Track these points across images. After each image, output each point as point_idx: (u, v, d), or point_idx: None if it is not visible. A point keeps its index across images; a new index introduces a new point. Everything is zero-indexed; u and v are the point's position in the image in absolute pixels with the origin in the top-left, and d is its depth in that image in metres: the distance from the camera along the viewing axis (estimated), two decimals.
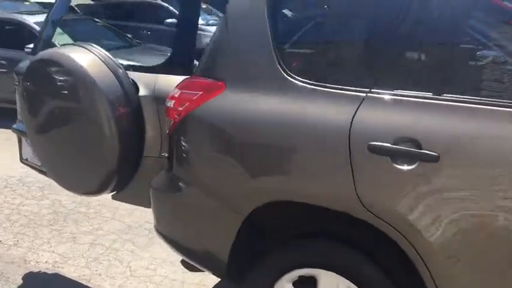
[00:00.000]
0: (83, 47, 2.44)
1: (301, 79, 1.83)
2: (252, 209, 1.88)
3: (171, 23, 8.78)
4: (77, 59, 2.35)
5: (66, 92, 2.41)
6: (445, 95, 1.61)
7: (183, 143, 2.10)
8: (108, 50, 2.47)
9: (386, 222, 1.64)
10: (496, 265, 1.54)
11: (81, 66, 2.32)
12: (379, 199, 1.65)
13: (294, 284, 1.92)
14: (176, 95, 2.12)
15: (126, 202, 2.73)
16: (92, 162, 2.42)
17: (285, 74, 1.87)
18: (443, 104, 1.60)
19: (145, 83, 2.43)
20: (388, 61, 1.72)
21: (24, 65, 3.05)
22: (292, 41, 1.99)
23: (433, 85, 1.65)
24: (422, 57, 1.74)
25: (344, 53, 1.89)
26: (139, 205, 2.67)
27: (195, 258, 2.18)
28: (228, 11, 2.07)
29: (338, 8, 1.90)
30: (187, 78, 2.15)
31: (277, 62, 1.89)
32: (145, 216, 3.87)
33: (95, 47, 2.45)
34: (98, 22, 7.85)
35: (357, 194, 1.67)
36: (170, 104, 2.14)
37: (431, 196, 1.56)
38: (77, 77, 2.33)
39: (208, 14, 10.80)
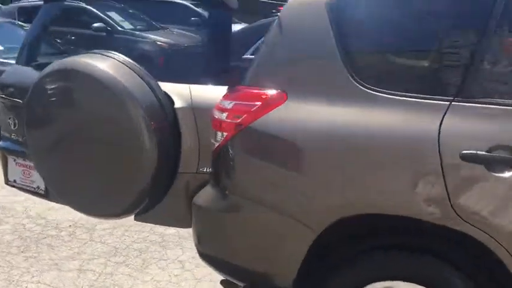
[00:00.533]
0: (108, 55, 2.22)
1: (377, 89, 1.79)
2: (329, 224, 1.81)
3: (98, 28, 8.35)
4: (107, 68, 2.13)
5: (95, 104, 2.17)
6: None
7: (242, 157, 1.98)
8: None
9: (483, 231, 1.64)
10: None
11: (114, 77, 2.10)
12: (476, 208, 1.65)
13: None
14: (229, 106, 1.99)
15: (152, 223, 2.53)
16: (121, 180, 2.20)
17: (358, 84, 1.82)
18: None
19: (178, 93, 2.26)
20: (474, 71, 1.73)
21: (8, 75, 2.72)
22: (362, 50, 1.94)
23: None
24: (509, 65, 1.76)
25: (423, 62, 1.89)
26: (169, 225, 2.49)
27: (251, 279, 2.05)
28: (284, 20, 1.99)
29: (417, 13, 1.88)
30: (238, 88, 2.02)
31: (347, 72, 1.84)
32: (129, 235, 3.62)
33: (121, 56, 2.23)
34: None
35: (451, 205, 1.65)
36: (221, 115, 2.00)
37: None
38: (109, 88, 2.10)
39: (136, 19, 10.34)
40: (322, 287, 1.90)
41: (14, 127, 2.76)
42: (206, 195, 2.10)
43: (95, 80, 2.12)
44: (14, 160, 2.77)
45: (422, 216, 1.72)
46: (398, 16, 1.88)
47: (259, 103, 1.93)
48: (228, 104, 2.00)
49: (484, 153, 1.63)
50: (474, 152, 1.64)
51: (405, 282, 1.81)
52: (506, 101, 1.67)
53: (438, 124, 1.69)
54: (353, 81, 1.83)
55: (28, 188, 2.79)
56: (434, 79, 1.82)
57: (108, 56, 2.21)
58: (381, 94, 1.79)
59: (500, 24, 1.71)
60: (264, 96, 1.93)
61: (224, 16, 2.36)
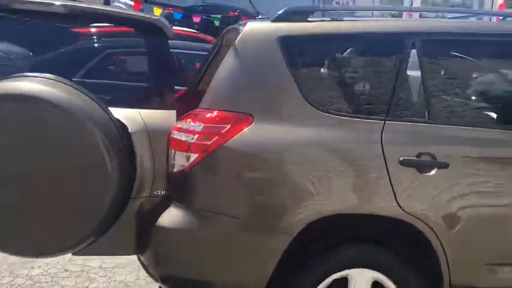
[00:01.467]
0: (49, 78, 2.07)
1: (330, 111, 2.17)
2: (302, 227, 2.08)
3: None
4: (59, 93, 2.00)
5: (47, 132, 2.00)
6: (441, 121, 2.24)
7: (216, 176, 2.11)
8: None
9: (420, 219, 2.13)
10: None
11: (71, 100, 2.00)
12: (413, 202, 2.13)
13: None
14: (199, 129, 2.11)
15: (93, 254, 2.36)
16: (73, 211, 2.06)
17: (313, 107, 2.16)
18: (442, 127, 2.23)
19: (129, 118, 2.24)
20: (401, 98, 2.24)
21: None
22: (313, 78, 2.29)
23: (435, 115, 2.25)
24: (425, 95, 2.29)
25: (365, 90, 2.32)
26: (113, 255, 2.37)
27: None
28: (242, 51, 2.21)
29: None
30: (205, 111, 2.16)
31: (302, 97, 2.17)
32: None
33: (66, 80, 2.12)
34: None
35: (396, 201, 2.11)
36: (188, 138, 2.12)
37: (450, 194, 2.15)
38: (67, 114, 1.98)
39: None
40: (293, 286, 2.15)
41: None
42: (173, 216, 2.15)
43: (46, 106, 1.98)
44: None
45: (376, 212, 2.13)
46: (355, 58, 2.31)
47: (228, 126, 2.11)
48: (197, 127, 2.12)
49: (414, 158, 2.14)
50: (408, 158, 2.13)
51: (358, 269, 2.20)
52: (422, 120, 2.22)
53: (380, 138, 2.14)
54: (308, 104, 2.17)
55: None
56: (371, 103, 2.26)
57: (50, 79, 2.08)
58: (333, 116, 2.17)
59: (406, 69, 2.27)
60: (232, 119, 2.12)
61: (163, 43, 2.43)
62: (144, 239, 2.22)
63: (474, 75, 2.52)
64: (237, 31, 2.35)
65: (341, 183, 2.13)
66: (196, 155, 2.11)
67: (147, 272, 2.38)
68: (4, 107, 2.00)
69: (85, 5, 2.44)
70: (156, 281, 2.32)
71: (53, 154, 2.02)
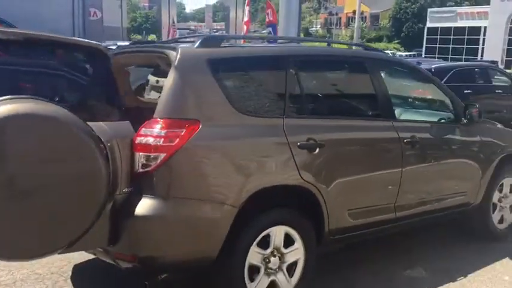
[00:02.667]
0: (38, 99, 2.33)
1: (248, 114, 2.97)
2: (244, 200, 2.83)
3: None
4: (49, 109, 2.31)
5: (50, 143, 2.26)
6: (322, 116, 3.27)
7: (181, 169, 2.69)
8: None
9: (314, 186, 3.11)
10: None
11: (66, 116, 2.32)
12: (308, 173, 3.10)
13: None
14: (163, 134, 2.67)
15: (77, 250, 2.61)
16: (68, 214, 2.37)
17: (237, 112, 2.93)
18: (318, 119, 3.26)
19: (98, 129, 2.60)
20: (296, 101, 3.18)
21: None
22: (235, 90, 3.01)
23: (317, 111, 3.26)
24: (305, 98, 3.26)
25: (269, 97, 3.14)
26: (89, 249, 2.67)
27: (187, 266, 2.78)
28: (183, 70, 2.82)
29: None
30: (165, 119, 2.71)
31: (229, 104, 2.92)
32: None
33: (46, 100, 2.39)
34: None
35: (299, 173, 3.05)
36: (156, 141, 2.65)
37: (327, 165, 3.19)
38: (67, 126, 2.30)
39: None
40: (235, 243, 2.87)
41: None
42: (149, 206, 2.64)
43: (51, 120, 2.27)
44: None
45: (287, 182, 3.02)
46: (258, 73, 3.12)
47: (184, 130, 2.72)
48: (162, 132, 2.67)
49: (305, 142, 3.11)
50: (302, 142, 3.09)
51: (277, 226, 3.05)
52: (305, 116, 3.21)
53: (283, 130, 3.05)
54: (233, 109, 2.92)
55: None
56: (276, 108, 3.12)
57: (40, 100, 2.35)
58: (250, 116, 2.97)
59: (293, 84, 3.23)
60: (187, 125, 2.74)
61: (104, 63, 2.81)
62: (117, 230, 2.64)
63: (333, 83, 3.64)
64: (163, 54, 2.96)
65: (262, 165, 2.95)
66: (164, 154, 2.66)
67: (113, 261, 2.79)
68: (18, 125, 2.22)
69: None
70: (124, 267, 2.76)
71: (58, 163, 2.32)
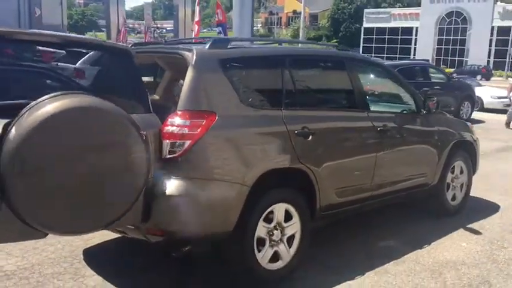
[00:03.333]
0: (82, 93, 2.70)
1: (254, 106, 3.43)
2: (254, 180, 3.29)
3: None
4: (102, 102, 2.66)
5: (100, 132, 2.61)
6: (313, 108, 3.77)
7: (205, 154, 3.11)
8: None
9: (307, 167, 3.61)
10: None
11: (116, 109, 2.68)
12: (305, 156, 3.60)
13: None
14: (187, 124, 3.08)
15: (117, 227, 2.96)
16: (115, 195, 2.73)
17: (244, 105, 3.38)
18: (309, 111, 3.76)
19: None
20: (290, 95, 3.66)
21: None
22: (243, 86, 3.44)
23: (307, 103, 3.76)
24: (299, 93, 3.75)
25: (269, 91, 3.60)
26: (128, 225, 3.01)
27: (207, 240, 3.20)
28: (196, 68, 3.23)
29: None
30: (188, 112, 3.11)
31: (239, 99, 3.36)
32: None
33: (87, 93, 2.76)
34: None
35: (297, 157, 3.54)
36: (182, 130, 3.05)
37: (318, 150, 3.70)
38: (115, 118, 2.66)
39: None
40: (247, 219, 3.32)
41: None
42: (177, 187, 3.03)
43: (106, 112, 2.64)
44: None
45: (288, 165, 3.51)
46: (260, 71, 3.57)
47: (204, 120, 3.14)
48: (187, 122, 3.07)
49: (301, 130, 3.60)
50: (298, 130, 3.58)
51: (279, 204, 3.53)
52: (299, 108, 3.70)
53: (282, 120, 3.53)
54: (241, 102, 3.37)
55: None
56: (276, 101, 3.60)
57: (88, 94, 2.70)
58: (254, 108, 3.43)
59: (288, 80, 3.71)
60: (206, 116, 3.16)
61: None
62: (149, 209, 3.01)
63: (319, 79, 4.15)
64: (179, 55, 3.36)
65: (268, 150, 3.42)
66: (189, 141, 3.06)
67: (144, 236, 3.16)
68: (77, 117, 2.56)
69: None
70: (154, 241, 3.15)
71: (109, 150, 2.68)
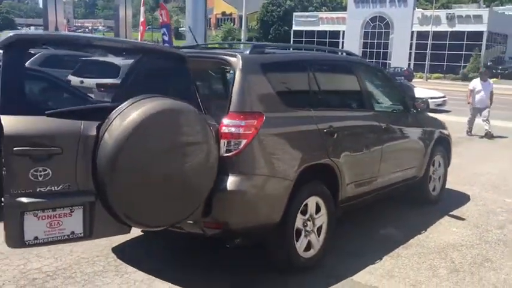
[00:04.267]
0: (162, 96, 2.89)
1: (291, 106, 3.73)
2: (296, 175, 3.59)
3: None
4: (185, 104, 2.87)
5: (185, 132, 2.80)
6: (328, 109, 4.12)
7: (258, 151, 3.36)
8: None
9: (334, 162, 3.96)
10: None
11: (194, 110, 2.88)
12: (333, 153, 3.94)
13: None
14: (242, 124, 3.32)
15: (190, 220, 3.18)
16: (193, 190, 2.94)
17: (284, 105, 3.68)
18: (332, 111, 4.11)
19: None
20: (316, 96, 3.99)
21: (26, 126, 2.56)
22: (281, 91, 3.72)
23: (329, 104, 4.10)
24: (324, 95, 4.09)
25: (301, 93, 3.89)
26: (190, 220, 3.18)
27: (261, 232, 3.45)
28: (244, 72, 3.47)
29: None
30: (239, 113, 3.35)
31: (279, 99, 3.65)
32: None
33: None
34: None
35: (327, 153, 3.88)
36: (238, 130, 3.30)
37: (341, 146, 4.06)
38: (196, 118, 2.87)
39: None
40: (289, 211, 3.61)
41: (45, 178, 2.46)
42: (235, 183, 3.26)
43: (189, 113, 2.84)
44: (35, 215, 2.44)
45: (321, 161, 3.83)
46: (291, 74, 3.86)
47: (255, 120, 3.39)
48: (242, 123, 3.31)
49: (329, 129, 3.94)
50: (327, 129, 3.92)
51: (312, 197, 3.85)
52: (323, 109, 4.04)
53: (313, 119, 3.85)
54: (281, 103, 3.66)
55: (58, 239, 2.52)
56: (305, 102, 3.91)
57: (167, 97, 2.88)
58: (291, 108, 3.73)
59: (314, 83, 4.04)
60: (257, 116, 3.41)
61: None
62: (210, 204, 3.22)
63: (337, 82, 4.52)
64: (223, 60, 3.60)
65: (306, 147, 3.73)
66: (245, 140, 3.31)
67: (201, 230, 3.35)
68: (166, 119, 2.74)
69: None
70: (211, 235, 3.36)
71: (192, 149, 2.89)
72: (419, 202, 5.69)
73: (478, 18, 46.75)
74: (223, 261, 4.03)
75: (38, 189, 2.53)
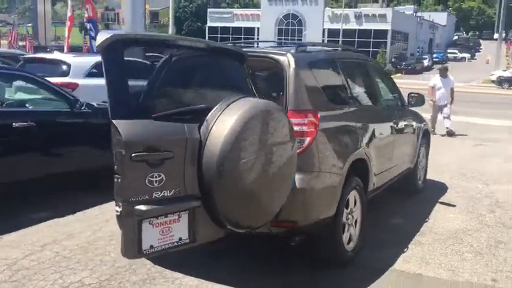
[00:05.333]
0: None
1: (334, 105, 3.80)
2: (346, 170, 3.67)
3: None
4: (274, 104, 2.84)
5: (278, 132, 2.78)
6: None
7: (318, 149, 3.39)
8: None
9: (367, 155, 4.09)
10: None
11: (282, 108, 2.89)
12: (366, 147, 4.07)
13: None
14: (306, 122, 3.33)
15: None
16: (282, 189, 2.93)
17: (331, 103, 3.74)
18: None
19: None
20: (350, 94, 4.09)
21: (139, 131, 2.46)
22: (325, 88, 3.75)
23: (357, 102, 4.21)
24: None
25: (339, 91, 3.95)
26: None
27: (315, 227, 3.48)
28: (299, 74, 3.48)
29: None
30: (299, 111, 3.36)
31: (326, 97, 3.71)
32: None
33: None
34: None
35: (364, 149, 4.01)
36: (302, 128, 3.31)
37: (369, 143, 4.20)
38: (284, 117, 2.86)
39: None
40: (339, 205, 3.68)
41: (159, 184, 2.27)
42: (303, 180, 3.27)
43: (279, 112, 2.81)
44: (150, 222, 2.26)
45: (361, 156, 3.94)
46: (329, 72, 3.91)
47: (314, 118, 3.42)
48: (305, 121, 3.32)
49: (363, 124, 4.06)
50: (362, 125, 4.04)
51: (353, 191, 3.94)
52: (356, 105, 4.15)
53: (355, 115, 3.96)
54: (329, 101, 3.72)
55: (168, 246, 2.35)
56: (343, 99, 3.98)
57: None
58: (334, 105, 3.80)
59: (347, 80, 4.14)
60: (314, 114, 3.44)
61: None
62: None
63: (360, 80, 4.64)
64: (272, 59, 3.58)
65: (351, 143, 3.83)
66: (309, 138, 3.32)
67: (268, 229, 3.31)
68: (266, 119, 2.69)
69: None
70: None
71: (283, 149, 2.86)
72: (409, 192, 6.00)
73: (382, 17, 49.67)
74: (269, 260, 4.00)
75: (153, 196, 2.39)
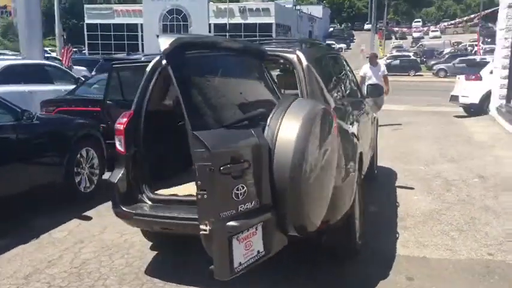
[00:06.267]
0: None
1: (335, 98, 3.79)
2: (358, 160, 3.69)
3: None
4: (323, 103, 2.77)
5: (331, 132, 2.74)
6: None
7: (341, 143, 3.34)
8: None
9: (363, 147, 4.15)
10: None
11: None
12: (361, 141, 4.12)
13: None
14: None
15: None
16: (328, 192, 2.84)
17: (335, 98, 3.72)
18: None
19: None
20: (342, 87, 4.09)
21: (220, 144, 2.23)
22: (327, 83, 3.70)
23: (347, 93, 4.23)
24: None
25: (335, 85, 3.91)
26: None
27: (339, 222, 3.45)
28: (311, 71, 3.42)
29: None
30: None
31: (329, 93, 3.68)
32: None
33: None
34: None
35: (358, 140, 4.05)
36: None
37: (360, 133, 4.26)
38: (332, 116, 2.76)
39: None
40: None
41: (243, 196, 2.02)
42: (336, 178, 3.20)
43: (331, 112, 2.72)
44: (237, 238, 2.01)
45: (362, 148, 3.98)
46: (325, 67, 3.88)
47: (334, 113, 3.37)
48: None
49: (356, 117, 4.11)
50: (356, 115, 4.08)
51: None
52: (346, 97, 4.18)
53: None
54: (331, 96, 3.70)
55: (252, 261, 2.11)
56: (340, 94, 3.97)
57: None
58: (336, 99, 3.79)
59: (337, 76, 4.14)
60: (331, 108, 3.39)
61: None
62: None
63: (341, 73, 4.65)
64: (283, 58, 3.48)
65: (355, 133, 3.85)
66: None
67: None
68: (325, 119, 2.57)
69: None
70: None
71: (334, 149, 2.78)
72: (370, 178, 6.21)
73: (266, 11, 50.98)
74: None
75: (239, 210, 2.17)
